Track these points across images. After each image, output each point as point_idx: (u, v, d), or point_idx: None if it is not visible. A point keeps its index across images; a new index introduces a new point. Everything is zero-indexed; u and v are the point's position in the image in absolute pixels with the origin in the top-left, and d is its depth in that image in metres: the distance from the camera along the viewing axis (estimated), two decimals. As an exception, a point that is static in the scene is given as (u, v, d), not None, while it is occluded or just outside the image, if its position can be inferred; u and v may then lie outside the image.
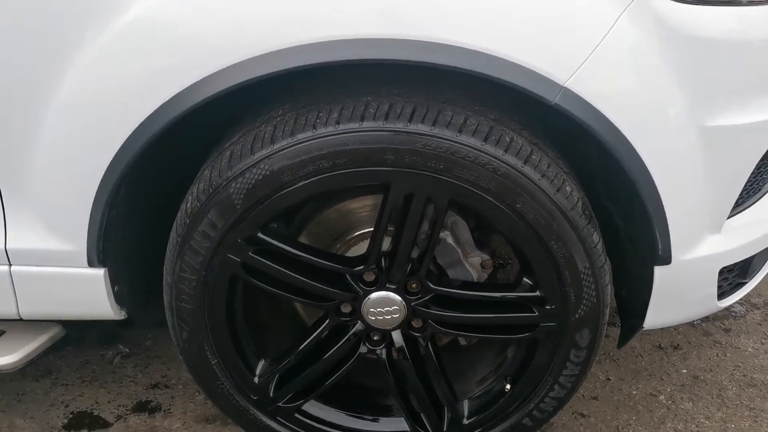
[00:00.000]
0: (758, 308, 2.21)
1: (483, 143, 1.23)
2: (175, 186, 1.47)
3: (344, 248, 1.53)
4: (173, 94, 1.21)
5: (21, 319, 1.50)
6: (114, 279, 1.44)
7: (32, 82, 1.25)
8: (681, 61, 1.23)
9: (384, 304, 1.43)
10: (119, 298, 1.48)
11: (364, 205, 1.50)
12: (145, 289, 1.57)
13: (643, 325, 1.48)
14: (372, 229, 1.44)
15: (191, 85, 1.20)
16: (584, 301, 1.36)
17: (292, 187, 1.28)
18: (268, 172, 1.27)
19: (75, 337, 2.01)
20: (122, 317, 1.51)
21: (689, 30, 1.23)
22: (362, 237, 1.51)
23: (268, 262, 1.37)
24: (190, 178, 1.44)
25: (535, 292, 1.38)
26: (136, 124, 1.24)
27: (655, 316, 1.46)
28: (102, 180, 1.30)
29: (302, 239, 1.51)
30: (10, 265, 1.41)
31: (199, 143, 1.48)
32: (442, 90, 1.28)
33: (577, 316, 1.37)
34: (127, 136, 1.25)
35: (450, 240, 1.44)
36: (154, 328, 2.06)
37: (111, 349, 2.00)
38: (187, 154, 1.48)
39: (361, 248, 1.50)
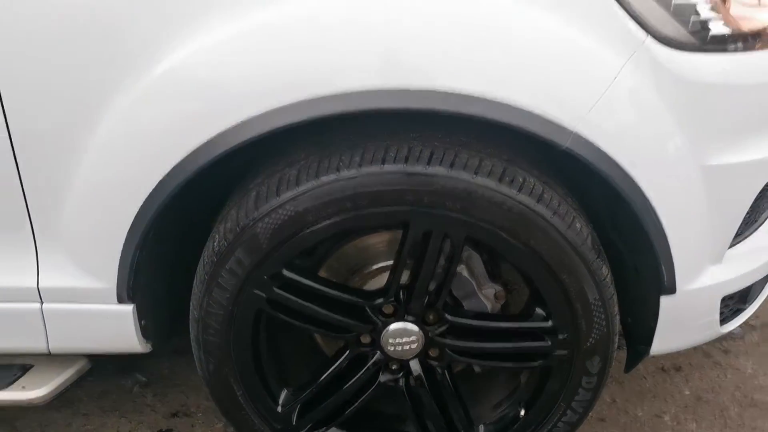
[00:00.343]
0: (756, 329, 2.28)
1: (498, 184, 1.30)
2: (199, 224, 1.54)
3: (361, 281, 1.59)
4: (203, 142, 1.28)
5: (50, 354, 1.55)
6: (141, 314, 1.50)
7: (70, 125, 1.31)
8: (681, 104, 1.31)
9: (402, 334, 1.49)
10: (145, 332, 1.53)
11: (381, 241, 1.56)
12: (168, 322, 1.62)
13: (650, 351, 1.55)
14: (388, 262, 1.51)
15: (219, 134, 1.27)
16: (595, 330, 1.43)
17: (316, 227, 1.35)
18: (293, 213, 1.34)
19: (93, 367, 2.05)
20: (148, 350, 1.56)
21: (688, 75, 1.30)
22: (379, 270, 1.57)
23: (293, 297, 1.43)
24: (213, 215, 1.50)
25: (547, 322, 1.44)
26: (168, 169, 1.31)
27: (661, 343, 1.53)
28: (133, 222, 1.36)
29: (322, 273, 1.57)
30: (42, 302, 1.47)
31: (219, 184, 1.54)
32: (457, 133, 1.35)
33: (588, 344, 1.44)
34: (159, 180, 1.32)
35: (465, 273, 1.51)
36: (171, 356, 2.11)
37: (129, 378, 2.05)
38: (209, 195, 1.54)
39: (377, 281, 1.57)
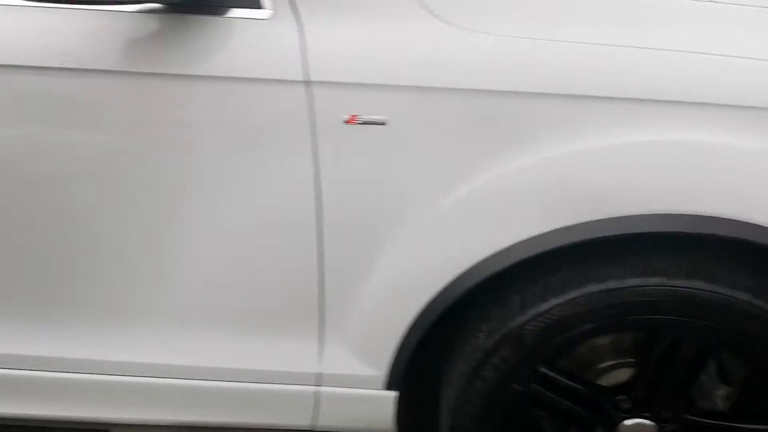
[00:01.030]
0: None
1: (754, 298, 1.45)
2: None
3: (590, 376, 1.73)
4: (495, 251, 1.46)
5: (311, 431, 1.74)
6: (398, 400, 1.68)
7: (379, 229, 1.50)
8: None
9: (638, 429, 1.61)
10: (397, 417, 1.70)
11: (609, 342, 1.70)
12: (413, 409, 1.79)
13: None
14: (615, 361, 1.67)
15: (515, 244, 1.45)
16: (830, 434, 1.53)
17: (577, 330, 1.51)
18: (558, 318, 1.50)
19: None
20: (394, 432, 1.74)
21: None
22: (608, 368, 1.71)
23: (545, 391, 1.59)
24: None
25: (785, 425, 1.55)
26: (461, 272, 1.48)
27: None
28: (417, 318, 1.53)
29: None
30: (318, 386, 1.66)
31: None
32: (709, 250, 1.49)
33: (822, 446, 1.54)
34: (450, 281, 1.48)
35: (702, 375, 1.63)
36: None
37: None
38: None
39: (606, 377, 1.70)
